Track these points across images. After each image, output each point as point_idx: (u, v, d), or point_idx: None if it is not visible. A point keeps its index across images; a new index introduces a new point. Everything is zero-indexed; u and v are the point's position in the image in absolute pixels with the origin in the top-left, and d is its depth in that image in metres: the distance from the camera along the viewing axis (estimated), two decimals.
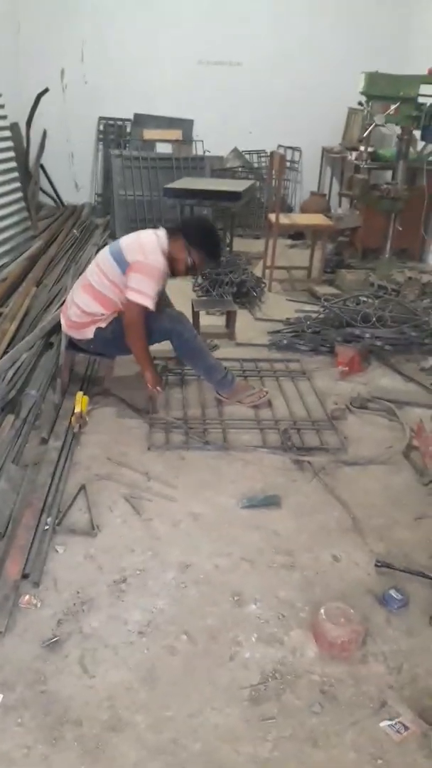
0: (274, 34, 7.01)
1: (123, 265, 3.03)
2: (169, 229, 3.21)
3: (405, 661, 1.94)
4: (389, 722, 1.74)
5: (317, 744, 1.68)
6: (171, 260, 3.12)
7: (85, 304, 3.13)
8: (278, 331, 4.27)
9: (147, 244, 3.06)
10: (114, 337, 3.17)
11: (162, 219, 6.55)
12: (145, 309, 3.03)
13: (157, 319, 3.16)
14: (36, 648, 1.92)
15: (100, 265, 3.12)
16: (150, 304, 3.02)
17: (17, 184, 5.93)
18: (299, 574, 2.26)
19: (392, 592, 2.14)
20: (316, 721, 1.74)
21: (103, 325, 3.18)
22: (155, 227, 3.24)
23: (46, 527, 2.36)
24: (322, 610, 2.00)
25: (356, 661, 1.93)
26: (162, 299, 3.48)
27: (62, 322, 3.29)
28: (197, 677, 1.86)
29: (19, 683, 1.80)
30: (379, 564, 2.28)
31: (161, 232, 3.15)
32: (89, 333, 3.20)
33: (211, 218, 6.65)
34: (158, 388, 3.25)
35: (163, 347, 3.41)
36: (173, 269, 3.17)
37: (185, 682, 1.84)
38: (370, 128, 4.81)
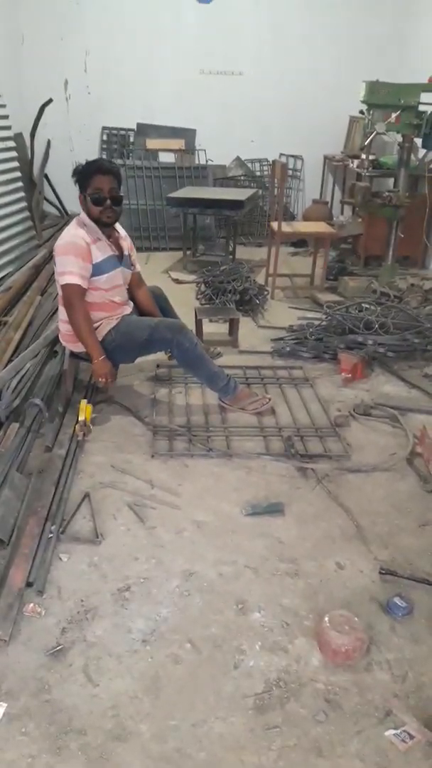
0: (275, 44, 7.05)
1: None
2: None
3: (410, 669, 1.93)
4: (394, 731, 1.73)
5: (322, 753, 1.67)
6: (90, 218, 3.11)
7: (63, 314, 3.17)
8: (281, 339, 4.27)
9: (65, 230, 3.10)
10: (114, 346, 3.17)
11: (165, 227, 6.58)
12: (75, 286, 3.03)
13: (157, 329, 3.17)
14: (40, 656, 1.92)
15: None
16: (75, 280, 3.01)
17: (21, 194, 5.97)
18: (303, 581, 2.26)
19: (397, 600, 2.13)
20: (321, 730, 1.73)
21: (99, 337, 3.18)
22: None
23: (51, 535, 2.37)
24: (326, 618, 1.99)
25: (361, 670, 1.92)
26: (162, 306, 3.51)
27: (59, 335, 3.32)
28: (201, 686, 1.85)
29: (23, 692, 1.80)
30: (383, 571, 2.28)
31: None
32: None
33: (213, 227, 6.70)
34: (108, 378, 3.15)
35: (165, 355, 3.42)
36: (92, 219, 3.11)
37: (189, 691, 1.84)
38: (371, 136, 4.83)
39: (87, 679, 1.86)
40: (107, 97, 7.13)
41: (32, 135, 6.72)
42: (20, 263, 5.25)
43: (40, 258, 5.31)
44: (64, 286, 3.05)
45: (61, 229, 6.38)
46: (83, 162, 3.14)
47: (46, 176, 7.05)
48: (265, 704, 1.80)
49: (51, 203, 7.28)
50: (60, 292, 3.11)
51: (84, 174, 3.09)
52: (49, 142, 7.06)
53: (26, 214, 5.96)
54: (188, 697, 1.82)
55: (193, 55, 7.04)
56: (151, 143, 7.17)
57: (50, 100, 6.83)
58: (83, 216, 3.13)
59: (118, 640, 1.99)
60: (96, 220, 3.12)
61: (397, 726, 1.75)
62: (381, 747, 1.69)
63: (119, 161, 6.70)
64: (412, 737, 1.71)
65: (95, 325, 3.16)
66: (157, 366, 3.73)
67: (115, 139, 7.32)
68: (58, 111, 7.02)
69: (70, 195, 7.32)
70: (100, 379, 3.16)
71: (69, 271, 3.01)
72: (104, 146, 7.35)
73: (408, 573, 2.28)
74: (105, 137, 7.33)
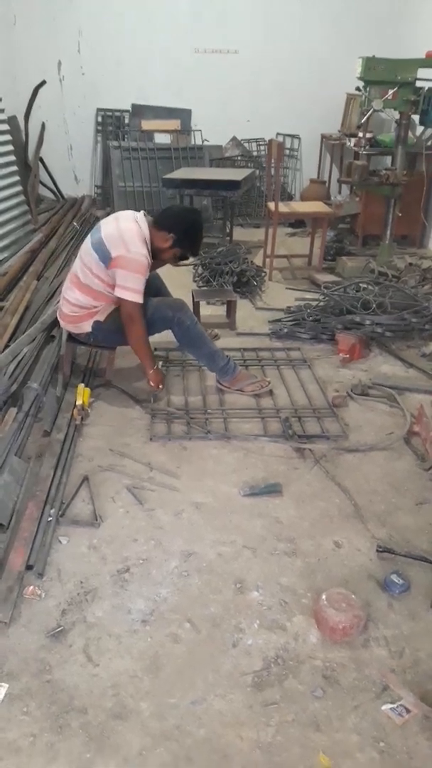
0: (270, 21, 6.95)
1: (106, 259, 3.01)
2: (152, 217, 3.18)
3: (407, 645, 1.95)
4: (391, 705, 1.75)
5: (320, 728, 1.70)
6: (153, 249, 3.11)
7: (75, 299, 3.14)
8: (279, 320, 4.26)
9: (128, 236, 3.00)
10: (115, 328, 3.17)
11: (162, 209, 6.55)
12: (139, 305, 3.04)
13: (157, 308, 3.16)
14: (41, 638, 1.94)
15: (84, 259, 3.10)
16: (139, 299, 3.03)
17: (16, 178, 5.92)
18: (301, 560, 2.27)
19: (394, 577, 2.15)
20: (319, 706, 1.76)
21: (101, 318, 3.19)
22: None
23: (50, 519, 2.38)
24: (324, 596, 2.01)
25: (358, 646, 1.94)
26: (157, 287, 3.49)
27: (59, 318, 3.30)
28: (200, 664, 1.87)
29: (24, 673, 1.83)
30: (380, 549, 2.29)
31: (141, 218, 3.11)
32: (86, 327, 3.20)
33: (210, 208, 6.65)
34: (160, 386, 3.28)
35: (163, 337, 3.42)
36: (154, 256, 3.14)
37: (189, 670, 1.86)
38: (368, 114, 4.77)
39: (87, 660, 1.88)
40: (101, 78, 7.05)
41: (26, 118, 6.66)
42: (16, 248, 5.22)
43: (36, 242, 5.28)
44: (130, 303, 3.03)
45: (57, 213, 6.38)
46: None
47: (41, 159, 6.99)
48: (264, 681, 1.83)
49: (46, 186, 7.23)
50: (123, 308, 3.06)
51: (192, 244, 3.22)
52: (43, 125, 6.99)
53: (21, 198, 5.92)
54: (187, 676, 1.84)
55: (187, 34, 6.95)
56: (147, 124, 7.10)
57: (44, 82, 6.76)
58: (146, 231, 3.07)
59: (118, 621, 2.01)
60: (160, 257, 3.18)
61: (393, 700, 1.77)
62: (378, 721, 1.72)
63: (114, 143, 6.65)
64: (408, 711, 1.73)
65: (96, 307, 3.15)
66: (155, 349, 3.72)
67: (110, 121, 7.25)
68: (52, 93, 6.95)
69: (66, 178, 7.33)
70: (152, 385, 3.26)
71: (138, 290, 3.02)
72: (99, 128, 7.29)
73: (405, 551, 2.30)
74: (100, 119, 7.26)
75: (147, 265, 3.05)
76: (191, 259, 3.39)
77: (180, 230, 3.12)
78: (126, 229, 3.02)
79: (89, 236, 3.15)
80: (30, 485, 2.53)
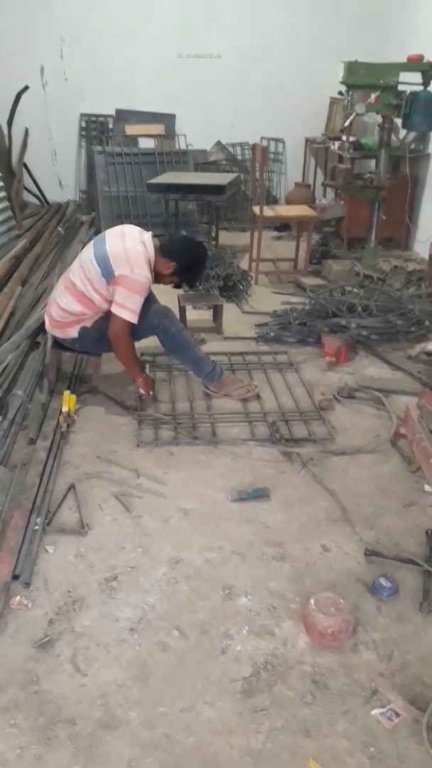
0: (253, 26, 6.96)
1: (109, 275, 3.00)
2: (159, 242, 3.21)
3: (395, 649, 1.95)
4: (381, 710, 1.75)
5: (309, 734, 1.69)
6: (155, 271, 3.15)
7: (66, 304, 3.12)
8: (265, 324, 4.27)
9: (134, 257, 3.01)
10: (100, 335, 3.16)
11: (147, 214, 6.54)
12: (129, 323, 3.04)
13: (143, 315, 3.16)
14: (28, 648, 1.92)
15: (85, 270, 3.07)
16: (134, 319, 3.04)
17: (0, 184, 5.88)
18: (289, 565, 2.27)
19: (382, 581, 2.15)
20: (308, 711, 1.75)
21: (88, 324, 3.18)
22: (140, 225, 3.24)
23: (36, 527, 2.36)
24: (312, 601, 2.01)
25: (347, 650, 1.94)
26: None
27: (46, 321, 3.29)
28: (189, 672, 1.86)
29: (11, 684, 1.81)
30: (368, 552, 2.29)
31: (148, 240, 3.12)
32: (73, 332, 3.19)
33: (195, 212, 6.65)
34: (151, 392, 3.30)
35: (150, 342, 3.41)
36: (155, 278, 3.18)
37: (177, 678, 1.85)
38: (351, 117, 4.79)
39: (75, 669, 1.86)
40: (85, 83, 7.03)
41: (9, 123, 6.63)
42: (1, 254, 5.19)
43: (21, 248, 5.25)
44: (122, 321, 3.03)
45: (41, 218, 6.36)
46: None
47: (25, 165, 6.95)
48: (253, 688, 1.82)
49: (31, 192, 7.20)
50: (113, 324, 3.05)
51: (193, 277, 3.36)
52: (26, 131, 6.96)
53: (6, 204, 5.87)
54: (176, 684, 1.83)
55: (171, 39, 6.94)
56: (131, 129, 7.09)
57: (26, 88, 6.73)
58: (151, 254, 3.09)
59: (106, 630, 2.00)
60: (158, 280, 3.23)
61: (383, 705, 1.77)
62: (368, 726, 1.71)
63: (98, 148, 6.63)
64: (398, 715, 1.73)
65: (85, 314, 3.14)
66: (141, 354, 3.71)
67: (94, 126, 7.23)
68: (35, 98, 6.91)
69: (50, 183, 7.29)
70: (143, 392, 3.29)
71: (134, 309, 3.03)
72: (83, 133, 7.27)
73: (393, 553, 2.30)
74: (84, 124, 7.24)
75: (148, 287, 3.08)
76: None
77: (183, 262, 3.19)
78: (132, 250, 3.03)
79: (91, 245, 3.14)
80: (16, 494, 2.51)
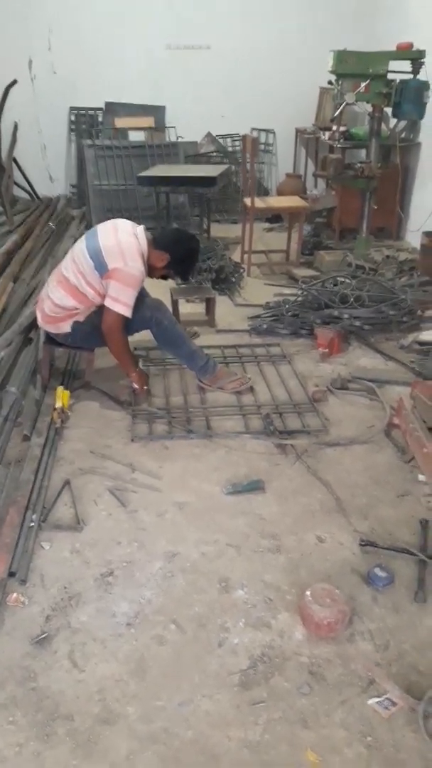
0: (242, 16, 6.94)
1: (102, 268, 2.99)
2: (151, 234, 3.20)
3: (391, 638, 1.96)
4: (377, 699, 1.76)
5: (307, 725, 1.70)
6: (148, 264, 3.13)
7: (59, 299, 3.11)
8: (258, 316, 4.26)
9: (127, 249, 3.00)
10: (93, 329, 3.15)
11: (138, 207, 6.51)
12: (125, 318, 3.03)
13: (135, 309, 3.15)
14: (25, 645, 1.92)
15: (78, 264, 3.06)
16: (128, 312, 3.03)
17: None
18: (285, 557, 2.28)
19: (377, 571, 2.16)
20: (306, 702, 1.76)
21: (81, 318, 3.17)
22: (131, 219, 3.23)
23: (32, 524, 2.36)
24: (308, 592, 2.01)
25: (343, 641, 1.95)
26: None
27: (38, 316, 3.27)
28: (186, 665, 1.87)
29: (9, 681, 1.81)
30: (363, 543, 2.30)
31: (141, 232, 3.12)
32: (66, 327, 3.18)
33: (186, 205, 6.62)
34: (145, 386, 3.28)
35: (143, 336, 3.40)
36: (148, 271, 3.17)
37: (175, 671, 1.85)
38: (341, 107, 4.77)
39: (72, 665, 1.87)
40: (74, 76, 6.98)
41: None
42: None
43: (12, 243, 5.22)
44: (116, 314, 3.02)
45: (32, 214, 6.32)
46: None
47: (14, 160, 6.90)
48: (250, 680, 1.83)
49: (21, 187, 7.14)
50: (107, 318, 3.05)
51: (186, 270, 3.32)
52: (16, 125, 6.91)
53: None
54: (174, 678, 1.83)
55: (159, 30, 6.90)
56: (120, 122, 7.04)
57: (15, 82, 6.66)
58: (144, 247, 3.08)
59: (103, 625, 2.00)
60: (150, 274, 3.20)
61: (379, 694, 1.78)
62: (365, 715, 1.73)
63: (88, 141, 6.59)
64: (394, 704, 1.75)
65: (78, 309, 3.13)
66: (134, 349, 3.70)
67: (84, 119, 7.19)
68: (24, 92, 6.85)
69: (40, 178, 7.25)
70: (136, 387, 3.25)
71: (127, 303, 3.02)
72: (73, 127, 7.23)
73: (388, 543, 2.31)
74: (73, 117, 7.20)
75: (141, 280, 3.07)
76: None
77: (177, 254, 3.17)
78: (125, 242, 3.02)
79: (84, 239, 3.13)
80: (10, 491, 2.50)
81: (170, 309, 3.66)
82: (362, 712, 1.74)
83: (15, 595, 2.08)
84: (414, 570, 2.21)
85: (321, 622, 1.94)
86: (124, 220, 3.23)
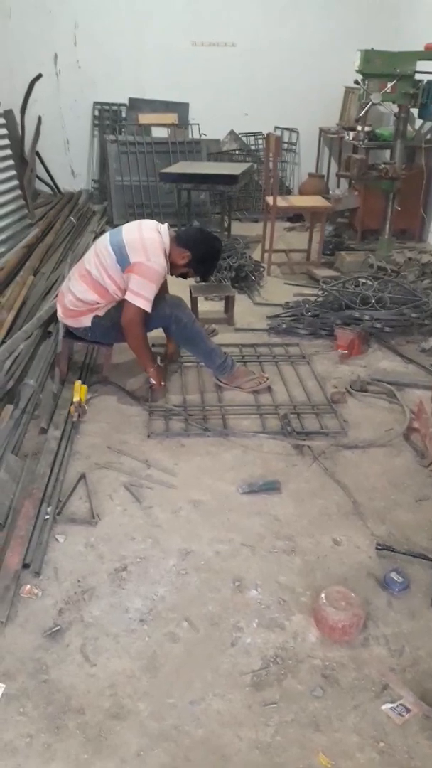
0: (267, 14, 6.91)
1: (124, 262, 3.01)
2: (175, 231, 3.21)
3: (406, 644, 1.94)
4: (391, 705, 1.74)
5: (319, 728, 1.68)
6: (170, 261, 3.14)
7: (81, 292, 3.11)
8: (277, 316, 4.24)
9: (150, 244, 3.02)
10: (112, 324, 3.15)
11: (159, 204, 6.51)
12: (142, 311, 3.03)
13: (155, 305, 3.14)
14: (37, 637, 1.92)
15: (100, 257, 3.08)
16: (148, 307, 3.03)
17: (13, 172, 5.87)
18: (300, 558, 2.26)
19: (393, 575, 2.13)
20: (318, 705, 1.74)
21: (101, 313, 3.17)
22: (152, 215, 3.23)
23: (47, 517, 2.36)
24: (323, 595, 1.99)
25: (358, 645, 1.93)
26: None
27: (58, 310, 3.28)
28: (199, 664, 1.86)
29: (21, 673, 1.81)
30: (380, 547, 2.28)
31: (164, 230, 3.14)
32: (86, 321, 3.18)
33: (207, 202, 6.61)
34: (162, 383, 3.28)
35: (161, 332, 3.40)
36: (172, 265, 3.19)
37: (187, 669, 1.84)
38: (366, 107, 4.74)
39: (84, 659, 1.86)
40: (98, 71, 7.00)
41: (22, 112, 6.60)
42: (13, 243, 5.18)
43: (33, 237, 5.24)
44: (136, 308, 3.02)
45: (53, 208, 6.34)
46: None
47: (37, 154, 6.93)
48: (263, 681, 1.81)
49: (43, 181, 7.18)
50: (127, 312, 3.04)
51: (207, 270, 3.35)
52: (39, 119, 6.93)
53: (18, 192, 5.87)
54: (186, 675, 1.82)
55: (184, 27, 6.90)
56: (144, 118, 7.05)
57: (40, 75, 6.69)
58: (167, 243, 3.10)
59: (116, 620, 1.99)
60: (172, 271, 3.22)
61: (393, 700, 1.76)
62: (378, 721, 1.70)
63: (111, 137, 6.60)
64: (408, 711, 1.72)
65: (99, 303, 3.13)
66: (152, 345, 3.70)
67: (107, 115, 7.20)
68: (49, 87, 6.89)
69: (63, 173, 7.28)
70: (154, 383, 3.25)
71: (148, 298, 3.02)
72: (96, 122, 7.24)
73: (405, 548, 2.28)
74: (97, 113, 7.22)
75: (163, 275, 3.09)
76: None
77: (198, 253, 3.18)
78: (148, 238, 3.04)
79: (108, 235, 3.16)
80: (26, 483, 2.51)
81: (189, 307, 3.65)
82: (375, 717, 1.72)
83: (28, 586, 2.08)
84: (430, 576, 2.18)
85: (335, 625, 1.92)
86: (149, 220, 3.24)
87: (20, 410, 2.94)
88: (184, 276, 3.32)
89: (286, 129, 7.34)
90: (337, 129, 6.86)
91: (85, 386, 3.14)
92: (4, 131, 5.85)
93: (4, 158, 5.75)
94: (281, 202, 5.24)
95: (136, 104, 7.14)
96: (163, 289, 3.45)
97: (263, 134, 7.09)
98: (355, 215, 6.19)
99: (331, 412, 3.15)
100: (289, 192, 7.41)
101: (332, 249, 5.63)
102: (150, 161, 6.59)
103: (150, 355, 3.25)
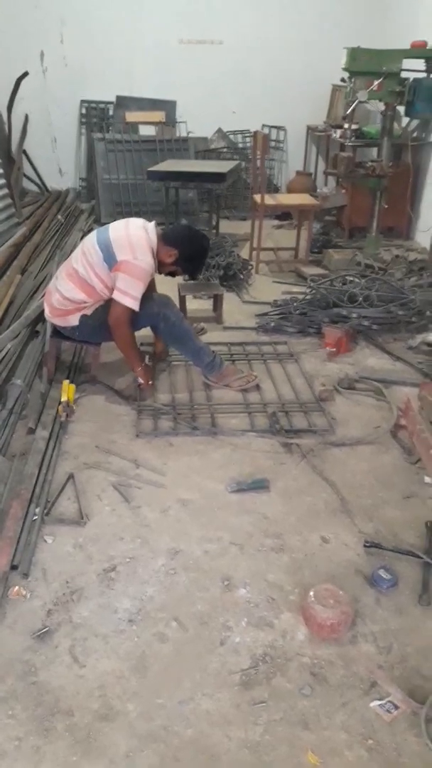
0: (255, 11, 6.90)
1: (111, 260, 3.00)
2: (162, 229, 3.20)
3: (395, 641, 1.94)
4: (379, 702, 1.75)
5: (308, 726, 1.69)
6: (157, 259, 3.13)
7: (68, 291, 3.10)
8: (265, 314, 4.24)
9: (137, 242, 3.01)
10: (100, 323, 3.14)
11: (147, 202, 6.49)
12: (130, 310, 3.02)
13: (143, 304, 3.14)
14: (26, 639, 1.92)
15: (87, 256, 3.07)
16: (135, 305, 3.02)
17: (0, 171, 5.83)
18: (288, 556, 2.26)
19: (381, 572, 2.14)
20: (307, 704, 1.75)
21: (88, 312, 3.16)
22: (139, 213, 3.22)
23: (35, 517, 2.35)
24: (311, 593, 2.00)
25: (346, 643, 1.94)
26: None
27: (45, 309, 3.27)
28: (188, 664, 1.86)
29: (9, 675, 1.80)
30: (367, 544, 2.29)
31: (151, 228, 3.13)
32: (74, 320, 3.17)
33: (195, 201, 6.60)
34: (150, 382, 3.27)
35: (149, 331, 3.39)
36: (159, 263, 3.18)
37: (176, 669, 1.84)
38: (353, 105, 4.75)
39: (73, 661, 1.86)
40: (85, 69, 6.97)
41: (9, 110, 6.55)
42: (0, 242, 5.16)
43: (20, 236, 5.22)
44: (123, 307, 3.01)
45: (41, 206, 6.31)
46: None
47: (24, 152, 6.90)
48: (252, 680, 1.82)
49: (30, 179, 7.15)
50: (114, 311, 3.03)
51: (195, 269, 3.34)
52: (26, 117, 6.90)
53: (5, 191, 5.83)
54: (175, 675, 1.82)
55: (172, 25, 6.88)
56: (131, 116, 7.02)
57: (26, 73, 6.63)
58: (154, 241, 3.09)
59: (105, 621, 1.99)
60: (159, 269, 3.22)
61: (382, 697, 1.76)
62: (366, 718, 1.71)
63: (98, 135, 6.58)
64: (396, 708, 1.73)
65: (86, 302, 3.12)
66: (140, 344, 3.69)
67: (95, 113, 7.17)
68: (35, 84, 6.84)
69: (50, 171, 7.24)
70: (142, 382, 3.24)
71: (136, 296, 3.01)
72: (83, 120, 7.21)
73: (392, 545, 2.29)
74: (84, 111, 7.18)
75: (150, 274, 3.07)
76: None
77: (186, 251, 3.17)
78: (135, 236, 3.03)
79: (95, 233, 3.15)
80: (14, 484, 2.50)
81: (177, 305, 3.64)
82: (364, 714, 1.72)
83: (17, 588, 2.07)
84: (418, 572, 2.19)
85: (324, 623, 1.93)
86: (136, 218, 3.23)
87: (8, 410, 2.92)
88: (172, 274, 3.31)
89: (274, 127, 7.34)
90: (325, 127, 6.87)
91: (73, 386, 3.13)
92: None
93: None
94: (269, 200, 5.24)
95: (124, 102, 7.12)
96: (151, 287, 3.44)
97: (251, 132, 7.08)
98: (342, 213, 6.21)
99: (319, 410, 3.16)
100: (276, 190, 7.42)
101: (320, 247, 5.64)
102: (137, 159, 6.57)
103: (138, 354, 3.24)
